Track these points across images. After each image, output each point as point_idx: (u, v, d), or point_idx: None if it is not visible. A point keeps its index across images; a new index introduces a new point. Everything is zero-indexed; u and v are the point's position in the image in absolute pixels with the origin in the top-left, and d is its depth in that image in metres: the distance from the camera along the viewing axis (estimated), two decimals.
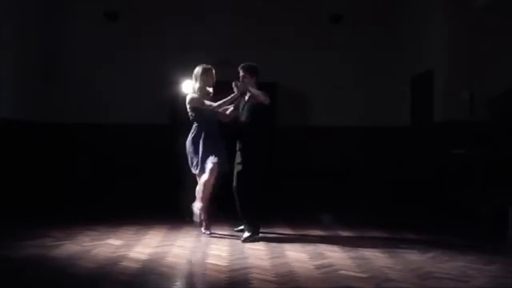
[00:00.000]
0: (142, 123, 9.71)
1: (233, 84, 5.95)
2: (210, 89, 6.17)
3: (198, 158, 5.95)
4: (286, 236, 6.17)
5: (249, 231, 5.85)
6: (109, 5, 9.80)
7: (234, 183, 5.98)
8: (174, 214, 7.01)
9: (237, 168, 5.98)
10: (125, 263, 4.71)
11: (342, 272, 4.53)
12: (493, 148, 6.99)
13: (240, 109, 6.12)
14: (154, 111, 9.65)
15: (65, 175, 9.35)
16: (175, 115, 9.39)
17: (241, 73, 6.08)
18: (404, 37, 9.69)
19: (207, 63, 6.23)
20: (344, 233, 6.32)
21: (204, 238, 5.87)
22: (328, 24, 9.98)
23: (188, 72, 6.44)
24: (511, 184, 6.24)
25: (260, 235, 5.94)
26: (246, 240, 5.75)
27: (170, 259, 4.91)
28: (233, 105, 6.17)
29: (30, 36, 8.95)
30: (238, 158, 6.02)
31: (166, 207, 7.89)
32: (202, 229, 6.07)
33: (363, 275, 4.43)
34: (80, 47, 9.85)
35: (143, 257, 4.95)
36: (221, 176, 6.02)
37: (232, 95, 6.01)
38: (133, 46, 9.81)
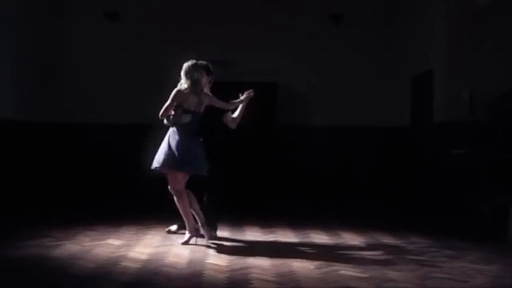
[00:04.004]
0: (142, 123, 9.68)
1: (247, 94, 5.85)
2: None
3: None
4: (287, 236, 6.16)
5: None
6: (109, 5, 9.79)
7: None
8: (174, 215, 7.01)
9: None
10: (125, 263, 4.71)
11: (342, 272, 4.53)
12: (493, 148, 6.98)
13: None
14: (155, 111, 9.61)
15: (65, 175, 9.34)
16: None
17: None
18: (404, 37, 9.68)
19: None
20: (345, 233, 6.32)
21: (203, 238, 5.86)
22: (328, 24, 9.97)
23: None
24: (511, 184, 6.23)
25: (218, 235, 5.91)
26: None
27: (170, 259, 4.91)
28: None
29: (30, 36, 8.95)
30: None
31: (166, 207, 7.87)
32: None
33: (363, 275, 4.43)
34: (80, 47, 9.84)
35: (143, 257, 4.95)
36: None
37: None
38: (133, 46, 9.81)
